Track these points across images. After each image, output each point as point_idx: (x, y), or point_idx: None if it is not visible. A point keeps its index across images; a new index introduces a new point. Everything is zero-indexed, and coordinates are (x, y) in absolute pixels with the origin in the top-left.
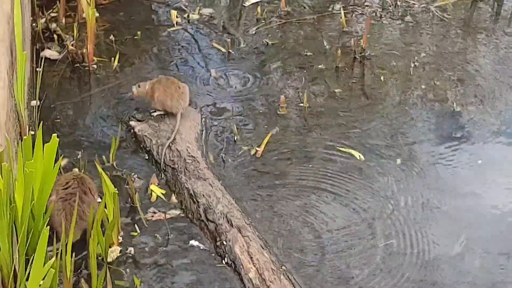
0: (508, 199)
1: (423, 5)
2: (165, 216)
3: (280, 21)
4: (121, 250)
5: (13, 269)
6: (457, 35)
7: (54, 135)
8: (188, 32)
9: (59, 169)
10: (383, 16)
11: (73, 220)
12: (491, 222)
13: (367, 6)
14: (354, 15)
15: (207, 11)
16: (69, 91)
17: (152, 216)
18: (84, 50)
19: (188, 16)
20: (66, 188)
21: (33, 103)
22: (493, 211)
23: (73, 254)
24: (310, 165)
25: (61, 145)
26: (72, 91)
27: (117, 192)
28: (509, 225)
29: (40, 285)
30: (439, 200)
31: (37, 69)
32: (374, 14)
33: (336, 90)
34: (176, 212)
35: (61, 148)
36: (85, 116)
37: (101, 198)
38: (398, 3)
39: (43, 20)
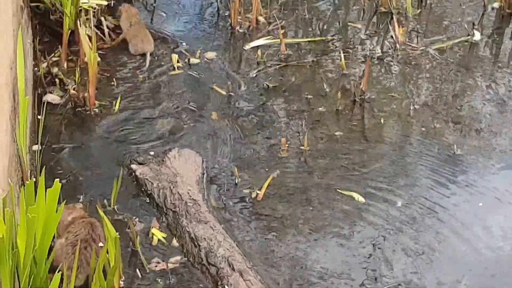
0: (510, 242)
1: (421, 48)
2: (167, 265)
3: (280, 64)
4: None
5: None
6: (456, 77)
7: (57, 180)
8: (189, 75)
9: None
10: (382, 58)
11: (81, 266)
12: (493, 266)
13: (366, 49)
14: (353, 57)
15: (208, 55)
16: (70, 135)
17: (156, 266)
18: (86, 94)
19: (189, 60)
20: (77, 234)
21: (35, 147)
22: (494, 254)
23: None
24: (311, 208)
25: (63, 189)
26: (73, 135)
27: (118, 236)
28: (510, 269)
29: None
30: (439, 243)
31: (39, 115)
32: (373, 57)
33: (337, 133)
34: (178, 258)
35: (63, 191)
36: (87, 159)
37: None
38: (397, 46)
39: (45, 64)
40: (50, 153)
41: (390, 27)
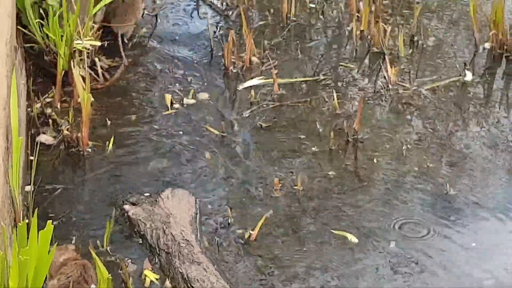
0: (504, 283)
1: (414, 88)
2: None
3: (273, 104)
4: None
5: None
6: (448, 116)
7: (49, 222)
8: (182, 115)
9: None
10: (375, 98)
11: None
12: None
13: (359, 88)
14: (346, 97)
15: (201, 95)
16: (63, 176)
17: None
18: (79, 135)
19: (182, 100)
20: (69, 276)
21: (28, 188)
22: None
23: None
24: (304, 249)
25: (55, 230)
26: (66, 176)
27: (111, 277)
28: None
29: None
30: (433, 285)
31: (32, 155)
32: (366, 96)
33: (330, 173)
34: None
35: (55, 232)
36: (80, 200)
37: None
38: (390, 85)
39: (39, 105)
40: (43, 194)
41: (383, 67)
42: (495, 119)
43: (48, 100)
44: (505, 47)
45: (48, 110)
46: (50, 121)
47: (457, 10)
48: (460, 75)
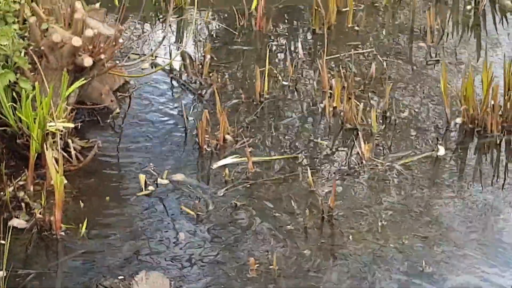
0: None
1: (387, 164)
2: None
3: (247, 182)
4: None
5: None
6: (423, 192)
7: None
8: (156, 196)
9: None
10: (349, 174)
11: None
12: None
13: (333, 165)
14: (321, 174)
15: (175, 175)
16: (36, 260)
17: None
18: (52, 218)
19: (156, 180)
20: None
21: (0, 273)
22: None
23: None
24: None
25: None
26: (39, 260)
27: None
28: None
29: None
30: None
31: (3, 240)
32: (340, 173)
33: (305, 251)
34: None
35: None
36: (53, 285)
37: None
38: (364, 162)
39: (11, 188)
40: (16, 279)
41: (356, 143)
42: (469, 193)
43: (20, 183)
44: (476, 121)
45: (21, 194)
46: (23, 204)
47: (428, 85)
48: (433, 150)
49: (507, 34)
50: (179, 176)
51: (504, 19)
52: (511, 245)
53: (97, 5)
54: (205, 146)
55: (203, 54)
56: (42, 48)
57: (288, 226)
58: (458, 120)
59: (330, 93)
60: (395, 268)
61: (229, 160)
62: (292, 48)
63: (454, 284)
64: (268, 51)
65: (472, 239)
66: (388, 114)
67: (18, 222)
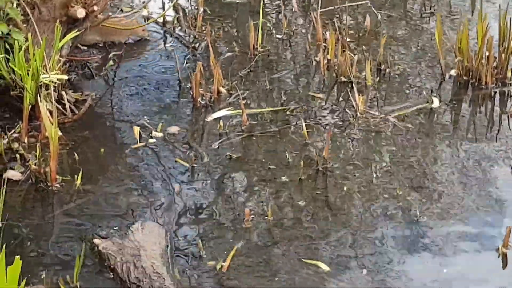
0: None
1: (382, 116)
2: None
3: (242, 135)
4: None
5: None
6: (417, 143)
7: (17, 257)
8: (151, 148)
9: None
10: (344, 127)
11: None
12: None
13: (328, 118)
14: (315, 127)
15: (170, 127)
16: (32, 212)
17: None
18: (47, 169)
19: (151, 133)
20: None
21: None
22: None
23: None
24: (276, 279)
25: (24, 266)
26: (35, 212)
27: None
28: None
29: None
30: None
31: None
32: (335, 125)
33: (300, 202)
34: None
35: (24, 268)
36: (49, 236)
37: None
38: (358, 114)
39: (5, 140)
40: (11, 230)
41: (351, 96)
42: (463, 144)
43: (15, 135)
44: (470, 73)
45: (15, 145)
46: (18, 156)
47: (422, 38)
48: (427, 102)
49: None
50: (173, 129)
51: None
52: (506, 195)
53: None
54: (199, 99)
55: (196, 7)
56: None
57: (283, 178)
58: (453, 72)
59: (325, 46)
60: (390, 218)
61: (223, 112)
62: (286, 1)
63: (449, 231)
64: (262, 4)
65: (466, 189)
66: (382, 66)
67: (13, 173)
